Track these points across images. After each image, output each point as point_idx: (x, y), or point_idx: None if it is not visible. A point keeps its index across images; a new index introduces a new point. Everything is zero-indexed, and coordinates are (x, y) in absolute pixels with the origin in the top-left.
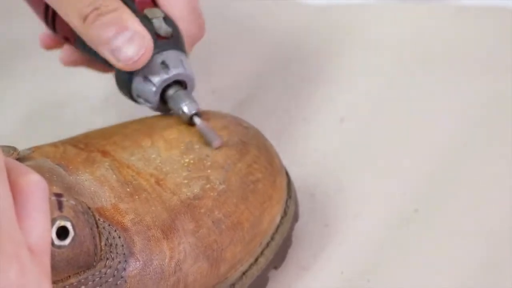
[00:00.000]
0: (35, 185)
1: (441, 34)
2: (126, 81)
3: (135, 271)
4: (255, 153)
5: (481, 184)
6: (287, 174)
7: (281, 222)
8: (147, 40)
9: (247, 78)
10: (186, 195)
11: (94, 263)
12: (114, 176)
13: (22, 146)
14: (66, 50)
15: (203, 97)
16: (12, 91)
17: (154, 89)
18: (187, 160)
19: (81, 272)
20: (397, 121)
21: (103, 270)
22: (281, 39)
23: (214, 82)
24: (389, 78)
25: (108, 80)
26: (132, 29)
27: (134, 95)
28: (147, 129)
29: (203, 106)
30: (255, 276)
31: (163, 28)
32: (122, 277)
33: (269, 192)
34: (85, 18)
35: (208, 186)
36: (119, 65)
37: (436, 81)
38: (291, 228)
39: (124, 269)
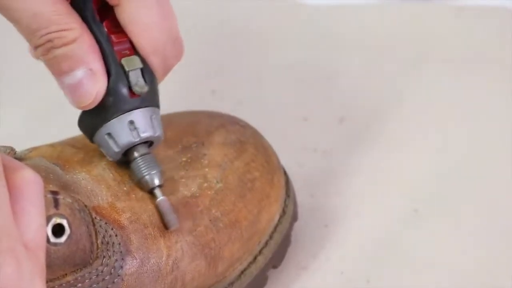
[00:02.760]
0: (30, 180)
1: (441, 34)
2: (89, 128)
3: (132, 269)
4: (252, 151)
5: (481, 184)
6: (285, 173)
7: (280, 221)
8: (101, 81)
9: (247, 78)
10: (183, 193)
11: (91, 261)
12: (111, 175)
13: (21, 146)
14: None
15: (203, 97)
16: (11, 92)
17: (117, 150)
18: (184, 159)
19: (77, 270)
20: (397, 121)
21: (100, 268)
22: (282, 39)
23: (214, 82)
24: (389, 78)
25: None
26: (86, 67)
27: (95, 142)
28: None
29: (203, 106)
30: (253, 275)
31: (138, 84)
32: (119, 275)
33: (267, 190)
34: (37, 48)
35: (205, 184)
36: (69, 102)
37: (436, 81)
38: (290, 228)
39: (121, 267)
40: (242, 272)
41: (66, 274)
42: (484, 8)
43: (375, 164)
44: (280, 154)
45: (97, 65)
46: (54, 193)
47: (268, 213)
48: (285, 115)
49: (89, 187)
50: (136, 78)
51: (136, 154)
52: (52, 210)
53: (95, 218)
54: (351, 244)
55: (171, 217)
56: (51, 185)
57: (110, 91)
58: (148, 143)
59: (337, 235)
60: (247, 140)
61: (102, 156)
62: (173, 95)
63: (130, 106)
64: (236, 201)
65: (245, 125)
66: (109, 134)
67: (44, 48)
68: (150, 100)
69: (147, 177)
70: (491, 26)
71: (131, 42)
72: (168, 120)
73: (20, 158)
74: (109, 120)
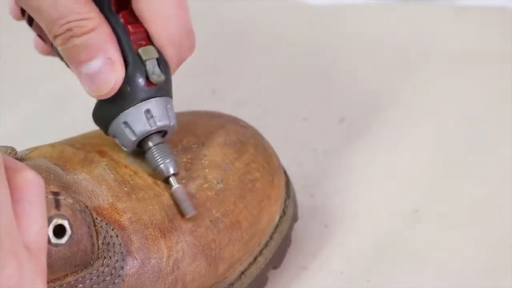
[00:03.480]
0: (31, 181)
1: (441, 34)
2: (105, 118)
3: (132, 270)
4: (252, 152)
5: (481, 184)
6: (285, 173)
7: (280, 221)
8: (119, 70)
9: (247, 78)
10: None
11: (92, 262)
12: (111, 175)
13: (21, 147)
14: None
15: (203, 97)
16: (11, 92)
17: (133, 138)
18: (184, 159)
19: (78, 270)
20: (397, 121)
21: (101, 269)
22: (281, 39)
23: (214, 82)
24: (389, 78)
25: None
26: (104, 56)
27: (110, 133)
28: None
29: (203, 106)
30: (254, 276)
31: (155, 73)
32: (119, 276)
33: (267, 191)
34: (57, 37)
35: (206, 185)
36: (86, 91)
37: (436, 81)
38: (290, 228)
39: (122, 267)
40: (243, 272)
41: (67, 275)
42: (484, 8)
43: (375, 164)
44: (280, 154)
45: (116, 54)
46: (55, 193)
47: (269, 213)
48: (285, 115)
49: (90, 188)
50: (152, 67)
51: (151, 143)
52: (53, 211)
53: (96, 218)
54: (351, 244)
55: (187, 205)
56: (52, 186)
57: (128, 80)
58: (162, 132)
59: (337, 235)
60: (247, 141)
61: (102, 156)
62: (173, 95)
63: (146, 95)
64: (236, 201)
65: (246, 126)
66: (125, 123)
67: (64, 37)
68: (165, 89)
69: (162, 166)
70: (491, 26)
71: (146, 33)
72: None
73: (20, 159)
74: (126, 109)
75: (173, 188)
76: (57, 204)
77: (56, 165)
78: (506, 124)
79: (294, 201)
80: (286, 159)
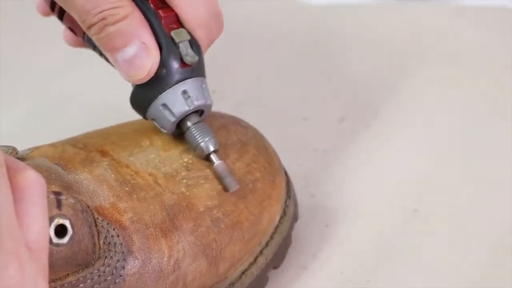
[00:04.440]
0: (32, 181)
1: (441, 34)
2: (143, 102)
3: (133, 270)
4: (254, 152)
5: (481, 184)
6: (286, 174)
7: (280, 221)
8: (154, 54)
9: (247, 78)
10: (185, 194)
11: (93, 262)
12: (112, 175)
13: (21, 146)
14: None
15: None
16: (11, 92)
17: (173, 119)
18: (186, 159)
19: (79, 270)
20: (396, 121)
21: (102, 269)
22: (281, 39)
23: (214, 82)
24: (389, 78)
25: (108, 81)
26: (139, 42)
27: (149, 117)
28: (146, 129)
29: None
30: (254, 276)
31: (189, 54)
32: (120, 276)
33: (268, 191)
34: (91, 27)
35: (207, 185)
36: (124, 76)
37: (436, 81)
38: (291, 228)
39: (123, 267)
40: (243, 272)
41: (68, 275)
42: (484, 8)
43: (375, 164)
44: (280, 154)
45: (150, 39)
46: (57, 193)
47: (269, 214)
48: (285, 115)
49: (91, 188)
50: (185, 49)
51: (189, 123)
52: (55, 211)
53: (97, 218)
54: (351, 244)
55: (229, 180)
56: (53, 186)
57: (163, 63)
58: (199, 112)
59: (337, 235)
60: (248, 141)
61: (103, 156)
62: None
63: (182, 76)
64: (237, 202)
65: (247, 126)
66: (164, 105)
67: (98, 26)
68: (199, 70)
69: (202, 144)
70: (491, 26)
71: (176, 17)
72: None
73: (22, 158)
74: (164, 91)
75: (215, 164)
76: (59, 204)
77: (57, 165)
78: (506, 124)
79: (294, 201)
80: (286, 159)
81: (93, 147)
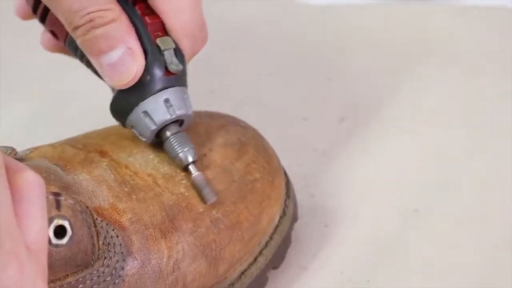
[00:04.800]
0: (31, 182)
1: (441, 34)
2: (124, 108)
3: (133, 270)
4: (253, 152)
5: (481, 184)
6: (285, 174)
7: (280, 222)
8: (140, 60)
9: (247, 78)
10: (184, 195)
11: (92, 262)
12: (112, 176)
13: (21, 147)
14: (45, 35)
15: (203, 97)
16: (11, 92)
17: (153, 127)
18: None
19: (79, 271)
20: (396, 121)
21: (101, 269)
22: (281, 39)
23: (214, 82)
24: (389, 78)
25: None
26: (125, 46)
27: (128, 124)
28: None
29: (203, 107)
30: (254, 276)
31: (174, 63)
32: (120, 276)
33: (268, 191)
34: (77, 29)
35: None
36: (107, 81)
37: (436, 81)
38: (290, 228)
39: (122, 268)
40: (243, 273)
41: (67, 275)
42: (484, 8)
43: (375, 164)
44: (280, 154)
45: (136, 44)
46: (56, 194)
47: (269, 214)
48: (285, 115)
49: (90, 188)
50: (170, 57)
51: (168, 133)
52: (54, 212)
53: (97, 219)
54: (351, 244)
55: (207, 191)
56: (52, 186)
57: (147, 69)
58: (179, 121)
59: (337, 235)
60: (247, 141)
61: (103, 156)
62: None
63: (165, 84)
64: (237, 202)
65: (246, 126)
66: (145, 112)
67: (85, 28)
68: (182, 79)
69: (181, 154)
70: (491, 26)
71: (162, 24)
72: None
73: (21, 159)
74: (146, 98)
75: (193, 175)
76: (58, 205)
77: (57, 166)
78: (506, 124)
79: (294, 201)
80: (286, 159)
81: (92, 147)
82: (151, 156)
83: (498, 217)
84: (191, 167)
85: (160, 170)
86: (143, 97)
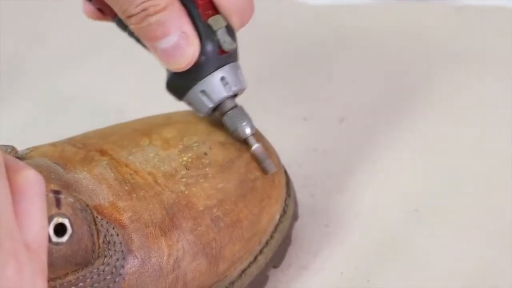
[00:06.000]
0: (31, 180)
1: (441, 34)
2: (181, 88)
3: (133, 269)
4: None
5: (481, 184)
6: (286, 173)
7: (280, 220)
8: (195, 43)
9: (247, 78)
10: (185, 193)
11: (92, 261)
12: (112, 174)
13: (21, 146)
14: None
15: None
16: (12, 92)
17: (211, 105)
18: (185, 158)
19: (79, 269)
20: (397, 121)
21: (101, 268)
22: (281, 39)
23: None
24: (389, 78)
25: (108, 81)
26: (179, 31)
27: (185, 101)
28: (146, 128)
29: None
30: (254, 275)
31: (227, 41)
32: (120, 275)
33: (268, 190)
34: (131, 17)
35: (206, 184)
36: (163, 64)
37: (436, 81)
38: (291, 227)
39: (122, 266)
40: (243, 271)
41: (67, 273)
42: (484, 8)
43: (375, 164)
44: (280, 154)
45: (189, 28)
46: (56, 192)
47: (269, 213)
48: (285, 115)
49: (90, 187)
50: (223, 36)
51: (225, 108)
52: (54, 210)
53: (97, 217)
54: (351, 244)
55: (267, 162)
56: (52, 185)
57: (202, 50)
58: (235, 95)
59: (337, 235)
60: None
61: (103, 155)
62: None
63: (220, 63)
64: (237, 201)
65: None
66: (203, 91)
67: (139, 16)
68: (235, 55)
69: (239, 128)
70: (491, 26)
71: (211, 2)
72: (169, 119)
73: (21, 158)
74: (202, 78)
75: (253, 147)
76: (58, 203)
77: (57, 164)
78: (506, 124)
79: (294, 200)
80: (286, 159)
81: (92, 146)
82: (151, 155)
83: (498, 217)
84: (250, 139)
85: (160, 169)
86: (200, 77)
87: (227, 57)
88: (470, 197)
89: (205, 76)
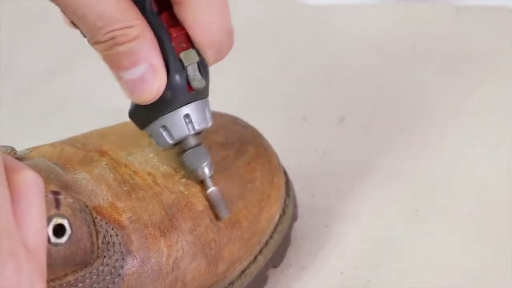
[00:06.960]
0: (30, 181)
1: (441, 34)
2: (142, 119)
3: (132, 269)
4: (253, 151)
5: (481, 184)
6: (285, 173)
7: (279, 221)
8: (162, 77)
9: (247, 78)
10: (184, 193)
11: (91, 261)
12: (111, 175)
13: (20, 146)
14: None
15: None
16: (11, 92)
17: (171, 142)
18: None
19: (78, 270)
20: (397, 121)
21: (101, 268)
22: (281, 39)
23: (214, 82)
24: (389, 78)
25: (107, 81)
26: (147, 64)
27: (146, 132)
28: None
29: None
30: (254, 275)
31: (196, 79)
32: (119, 275)
33: (267, 190)
34: (99, 44)
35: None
36: (127, 95)
37: (436, 81)
38: (290, 227)
39: (122, 267)
40: (242, 272)
41: (66, 274)
42: (484, 8)
43: (375, 164)
44: (280, 154)
45: (158, 61)
46: (55, 193)
47: (268, 213)
48: (285, 115)
49: (89, 187)
50: (193, 72)
51: (186, 146)
52: (53, 210)
53: (96, 218)
54: (351, 244)
55: (221, 208)
56: (52, 185)
57: (169, 85)
58: (199, 133)
59: (337, 235)
60: (247, 141)
61: (102, 156)
62: None
63: (186, 100)
64: (236, 201)
65: (246, 125)
66: (164, 127)
67: (107, 44)
68: (204, 92)
69: (198, 169)
70: (491, 26)
71: (187, 35)
72: None
73: (20, 158)
74: (166, 114)
75: (208, 190)
76: (57, 204)
77: (56, 165)
78: (506, 124)
79: (294, 201)
80: (286, 159)
81: (91, 147)
82: (151, 155)
83: (498, 217)
84: (207, 181)
85: (159, 169)
86: (162, 113)
87: (195, 94)
88: (470, 197)
89: (168, 112)
